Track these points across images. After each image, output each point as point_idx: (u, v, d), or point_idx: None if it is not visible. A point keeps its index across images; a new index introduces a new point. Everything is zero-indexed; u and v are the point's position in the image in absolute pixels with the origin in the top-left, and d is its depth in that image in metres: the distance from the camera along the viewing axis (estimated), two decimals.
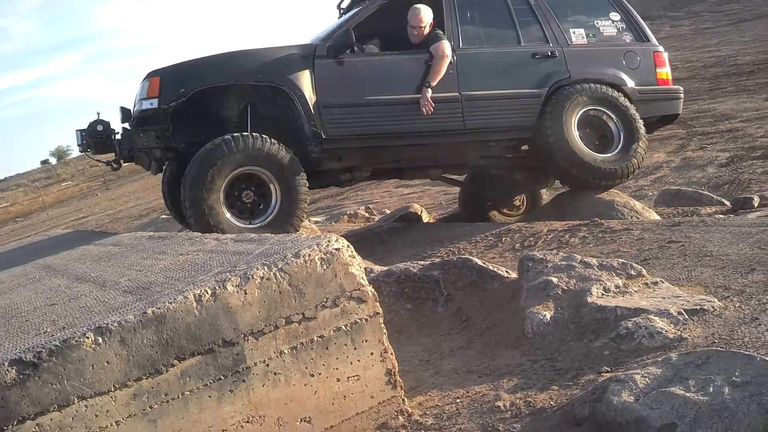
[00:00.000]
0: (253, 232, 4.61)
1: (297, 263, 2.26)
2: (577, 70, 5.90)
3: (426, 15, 5.58)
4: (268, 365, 2.18)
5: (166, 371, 2.02)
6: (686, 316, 2.61)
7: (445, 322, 3.27)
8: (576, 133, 5.68)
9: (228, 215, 4.85)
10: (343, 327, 2.33)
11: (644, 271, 3.11)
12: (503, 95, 5.71)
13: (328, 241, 2.37)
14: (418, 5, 5.60)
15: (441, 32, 5.58)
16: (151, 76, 5.04)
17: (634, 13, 6.46)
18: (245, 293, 2.14)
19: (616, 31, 6.26)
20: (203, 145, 4.92)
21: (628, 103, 5.92)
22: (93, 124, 5.36)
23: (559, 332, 2.79)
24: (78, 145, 5.62)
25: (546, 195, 7.31)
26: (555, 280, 3.05)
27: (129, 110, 5.47)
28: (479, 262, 3.52)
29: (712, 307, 2.69)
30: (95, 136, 5.36)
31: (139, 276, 2.65)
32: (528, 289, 3.09)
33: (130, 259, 3.26)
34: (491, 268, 3.47)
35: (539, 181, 6.76)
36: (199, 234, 4.00)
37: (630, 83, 6.05)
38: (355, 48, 5.43)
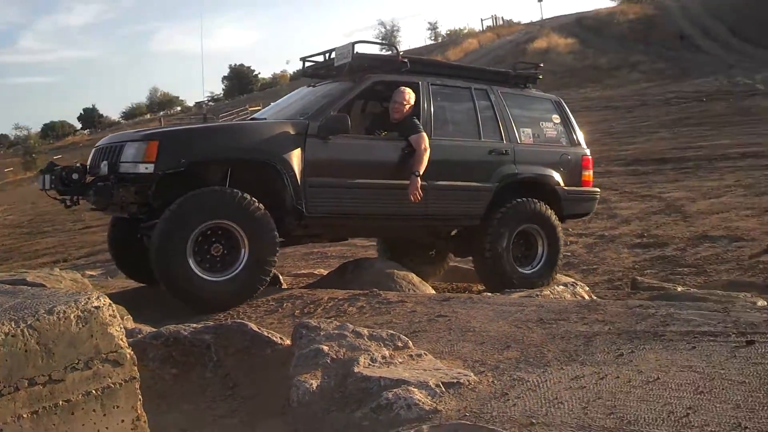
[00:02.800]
0: (219, 285, 4.80)
1: (49, 320, 2.11)
2: (523, 167, 6.42)
3: (410, 95, 5.89)
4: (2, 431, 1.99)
5: None
6: (443, 389, 2.73)
7: (211, 389, 3.17)
8: (509, 251, 6.19)
9: (194, 267, 4.78)
10: (94, 391, 2.19)
11: (410, 343, 3.22)
12: (461, 186, 6.08)
13: (88, 299, 2.24)
14: (405, 88, 5.91)
15: (418, 122, 5.86)
16: (148, 138, 5.02)
17: (572, 118, 7.11)
18: None
19: (556, 133, 6.90)
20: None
21: (556, 222, 6.52)
22: (68, 172, 5.30)
23: (324, 401, 2.80)
24: (42, 184, 5.46)
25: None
26: (326, 348, 3.07)
27: (83, 167, 5.42)
28: (254, 327, 3.47)
29: (468, 380, 2.83)
30: (69, 184, 5.30)
31: None
32: (299, 356, 3.09)
33: None
34: (265, 334, 3.43)
35: (463, 254, 7.04)
36: None
37: (561, 183, 6.63)
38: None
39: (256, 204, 4.97)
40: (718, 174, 13.09)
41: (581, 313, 3.96)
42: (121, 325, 2.37)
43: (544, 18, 59.17)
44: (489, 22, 63.36)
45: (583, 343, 3.37)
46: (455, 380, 2.82)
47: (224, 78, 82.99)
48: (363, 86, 5.93)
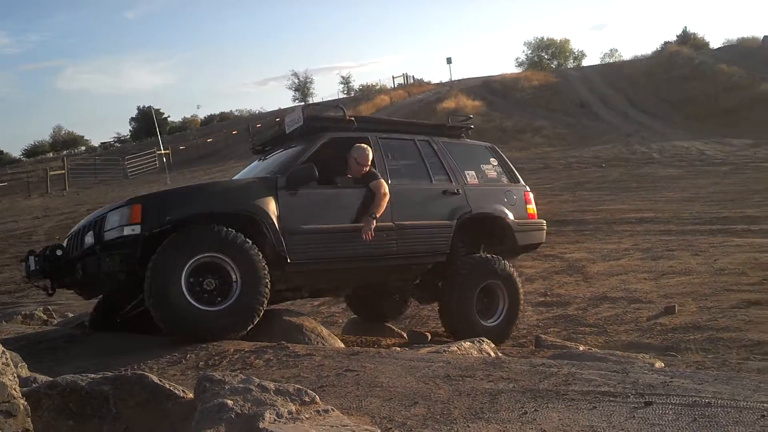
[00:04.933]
0: (215, 316, 5.04)
1: None
2: (475, 205, 7.06)
3: (371, 154, 6.39)
4: None
5: None
6: None
7: None
8: (474, 303, 6.72)
9: (190, 299, 5.01)
10: None
11: (318, 398, 3.18)
12: (424, 225, 6.63)
13: None
14: (364, 145, 6.42)
15: (376, 170, 6.39)
16: (132, 203, 5.26)
17: (507, 160, 7.92)
18: None
19: (496, 174, 7.64)
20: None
21: (517, 280, 7.14)
22: (52, 249, 5.63)
23: None
24: (27, 270, 5.82)
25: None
26: (230, 402, 2.99)
27: (50, 249, 5.71)
28: (155, 379, 3.35)
29: None
30: (53, 261, 5.58)
31: None
32: (201, 411, 2.99)
33: None
34: (167, 386, 3.31)
35: (424, 300, 7.74)
36: None
37: (511, 216, 7.32)
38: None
39: (243, 237, 5.26)
40: (616, 237, 13.62)
41: (487, 371, 4.02)
42: (15, 374, 2.26)
43: (453, 80, 60.88)
44: (400, 80, 64.83)
45: (488, 400, 3.41)
46: None
47: (132, 119, 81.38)
48: (320, 142, 6.36)
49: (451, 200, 6.91)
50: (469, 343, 5.53)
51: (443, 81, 61.38)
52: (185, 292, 5.00)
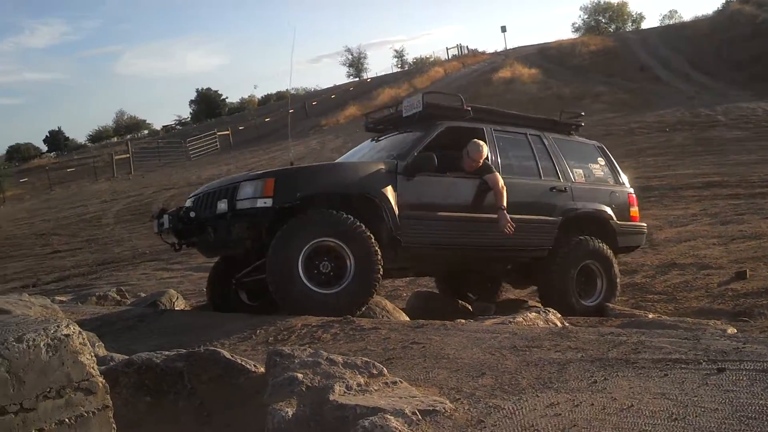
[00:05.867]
0: (329, 298, 5.28)
1: (19, 348, 2.08)
2: (581, 203, 7.20)
3: (485, 151, 6.50)
4: None
5: None
6: (420, 417, 2.72)
7: (185, 417, 3.12)
8: (573, 283, 6.85)
9: (306, 282, 5.26)
10: (67, 420, 2.15)
11: (385, 371, 3.21)
12: (533, 220, 6.76)
13: (57, 326, 2.21)
14: (479, 141, 6.54)
15: (489, 163, 6.53)
16: (266, 176, 5.55)
17: (614, 161, 7.98)
18: None
19: (603, 174, 7.74)
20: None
21: (613, 259, 7.21)
22: (186, 210, 5.98)
23: (300, 430, 2.76)
24: (160, 227, 6.26)
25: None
26: (300, 376, 3.05)
27: (185, 209, 6.04)
28: (227, 355, 3.43)
29: (444, 408, 2.82)
30: (187, 222, 5.91)
31: None
32: (273, 384, 3.05)
33: None
34: (239, 361, 3.40)
35: (519, 285, 8.11)
36: None
37: (614, 218, 7.42)
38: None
39: (359, 224, 5.47)
40: (683, 203, 13.32)
41: (554, 341, 3.99)
42: (92, 353, 2.33)
43: (508, 48, 60.00)
44: (454, 51, 64.19)
45: (556, 370, 3.39)
46: (431, 408, 2.81)
47: (191, 102, 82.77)
48: (438, 130, 6.54)
49: (558, 197, 7.07)
50: (534, 313, 5.50)
51: (498, 50, 60.64)
52: (301, 275, 5.24)
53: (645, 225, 8.05)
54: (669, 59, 44.55)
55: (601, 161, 7.84)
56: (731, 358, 3.37)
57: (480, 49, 63.40)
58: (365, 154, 7.16)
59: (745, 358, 3.35)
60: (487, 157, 6.55)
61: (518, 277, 7.52)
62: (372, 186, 5.80)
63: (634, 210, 7.82)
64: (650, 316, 6.49)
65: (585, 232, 7.18)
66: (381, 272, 5.55)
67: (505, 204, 6.28)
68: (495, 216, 6.30)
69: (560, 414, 2.75)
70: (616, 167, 7.95)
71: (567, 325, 5.46)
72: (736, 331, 5.31)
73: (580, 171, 7.47)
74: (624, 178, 7.97)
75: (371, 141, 7.46)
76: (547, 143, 7.31)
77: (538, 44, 56.37)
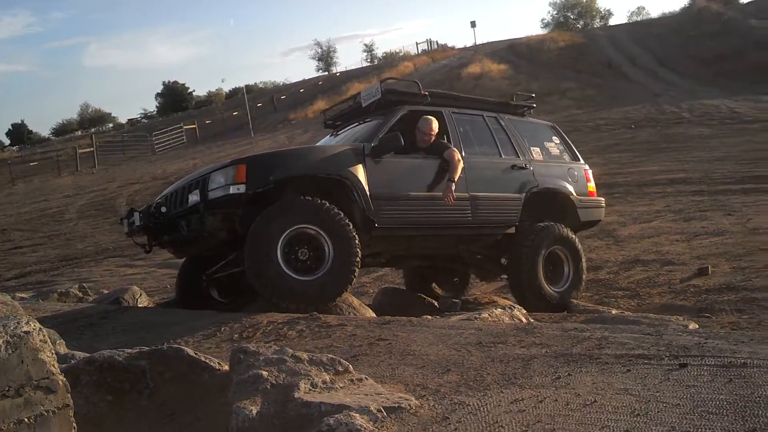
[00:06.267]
0: (308, 285, 5.29)
1: None
2: (541, 180, 7.32)
3: (435, 125, 6.62)
4: None
5: None
6: (385, 414, 2.71)
7: (148, 416, 3.08)
8: (541, 269, 6.90)
9: (285, 268, 5.26)
10: (26, 419, 2.12)
11: (351, 367, 3.20)
12: (498, 197, 6.91)
13: (17, 323, 2.17)
14: (429, 116, 6.66)
15: (445, 142, 6.67)
16: (237, 163, 5.52)
17: (567, 139, 8.19)
18: None
19: (558, 151, 7.91)
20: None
21: (578, 246, 7.35)
22: (157, 206, 5.98)
23: (264, 428, 2.75)
24: (129, 226, 6.24)
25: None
26: (265, 374, 3.02)
27: (155, 206, 6.06)
28: (191, 352, 3.39)
29: (409, 405, 2.83)
30: (158, 217, 5.92)
31: None
32: (237, 382, 3.03)
33: None
34: (203, 359, 3.36)
35: (487, 277, 8.09)
36: None
37: (574, 193, 7.58)
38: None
39: (337, 210, 5.53)
40: (647, 199, 13.49)
41: (519, 336, 4.02)
42: (53, 351, 2.30)
43: (477, 44, 60.24)
44: (424, 46, 64.30)
45: (521, 366, 3.41)
46: (397, 405, 2.81)
47: (158, 95, 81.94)
48: (399, 114, 6.66)
49: (519, 174, 7.20)
50: (500, 309, 5.53)
51: (467, 45, 60.87)
52: (280, 261, 5.25)
53: (603, 199, 8.26)
54: (636, 56, 45.13)
55: (556, 140, 8.03)
56: (693, 354, 3.42)
57: (450, 44, 63.63)
58: (331, 142, 7.24)
59: (706, 354, 3.40)
60: (440, 134, 6.69)
61: (487, 264, 7.55)
62: (343, 168, 5.85)
63: (591, 186, 8.01)
64: (614, 311, 6.56)
65: (547, 208, 7.33)
66: (359, 258, 5.60)
67: (456, 177, 6.39)
68: (459, 194, 6.44)
69: (524, 410, 2.76)
70: (570, 145, 8.13)
71: (532, 321, 5.50)
72: (698, 326, 5.39)
73: (537, 149, 7.62)
74: (578, 154, 8.15)
75: (330, 136, 7.56)
76: (503, 124, 7.47)
77: (507, 40, 56.70)
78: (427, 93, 6.95)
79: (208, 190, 5.48)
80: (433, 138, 6.60)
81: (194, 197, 5.57)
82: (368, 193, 5.89)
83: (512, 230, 7.05)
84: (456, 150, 6.56)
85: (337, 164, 5.88)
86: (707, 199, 12.67)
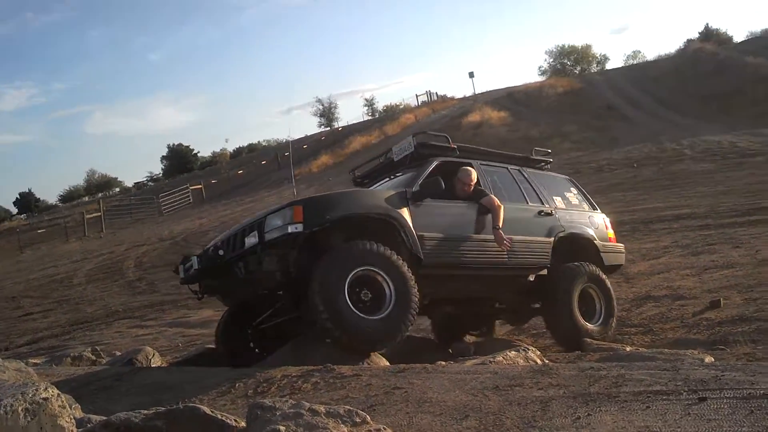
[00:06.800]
0: (372, 324, 5.43)
1: None
2: (567, 225, 7.72)
3: (475, 175, 6.98)
4: None
5: None
6: None
7: None
8: (576, 306, 7.15)
9: (352, 308, 5.37)
10: None
11: (368, 418, 3.18)
12: (530, 240, 7.22)
13: (35, 390, 2.18)
14: (468, 167, 7.02)
15: (482, 189, 6.97)
16: (293, 204, 5.67)
17: (584, 191, 8.69)
18: None
19: (577, 201, 8.36)
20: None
21: (608, 284, 7.63)
22: (215, 249, 6.13)
23: None
24: (186, 272, 6.38)
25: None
26: (283, 428, 3.01)
27: (214, 247, 6.18)
28: (207, 410, 3.38)
29: None
30: (215, 260, 6.07)
31: None
32: None
33: None
34: (219, 416, 3.34)
35: (518, 321, 8.39)
36: None
37: (597, 239, 8.00)
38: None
39: (396, 254, 5.75)
40: (654, 236, 13.47)
41: (535, 378, 3.99)
42: (71, 416, 2.30)
43: (476, 93, 60.85)
44: (424, 98, 64.94)
45: (540, 408, 3.39)
46: None
47: (163, 157, 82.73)
48: (433, 164, 6.96)
49: (547, 220, 7.57)
50: (514, 352, 5.50)
51: (467, 95, 61.47)
52: (348, 302, 5.37)
53: (623, 245, 8.60)
54: (635, 97, 45.54)
55: (574, 190, 8.49)
56: (711, 387, 3.39)
57: (449, 95, 64.28)
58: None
59: (725, 386, 3.38)
60: (477, 182, 6.99)
61: (520, 307, 7.77)
62: (392, 209, 6.09)
63: (611, 233, 8.45)
64: (628, 348, 6.51)
65: (573, 252, 7.60)
66: (418, 296, 5.76)
67: (500, 224, 6.69)
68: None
69: None
70: (587, 196, 8.59)
71: (547, 362, 5.46)
72: (713, 359, 5.35)
73: (559, 198, 8.02)
74: (595, 204, 8.60)
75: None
76: (526, 175, 7.92)
77: (505, 88, 57.29)
78: (456, 146, 7.34)
79: (265, 231, 5.63)
80: (472, 187, 6.91)
81: (252, 239, 5.71)
82: (414, 231, 6.11)
83: (545, 272, 7.34)
84: (493, 197, 6.88)
85: (386, 205, 6.10)
86: (714, 232, 12.65)
